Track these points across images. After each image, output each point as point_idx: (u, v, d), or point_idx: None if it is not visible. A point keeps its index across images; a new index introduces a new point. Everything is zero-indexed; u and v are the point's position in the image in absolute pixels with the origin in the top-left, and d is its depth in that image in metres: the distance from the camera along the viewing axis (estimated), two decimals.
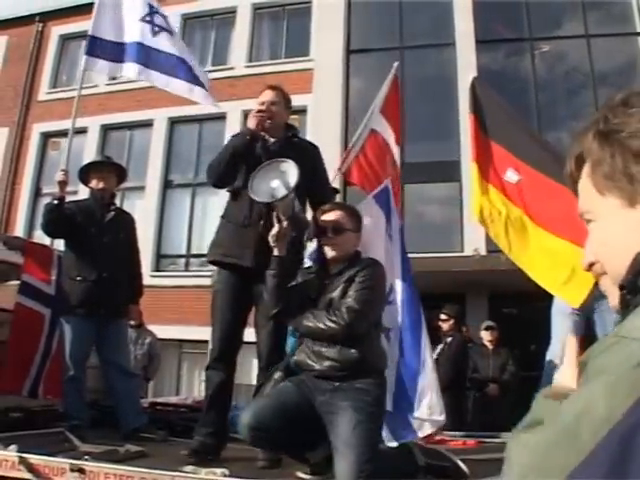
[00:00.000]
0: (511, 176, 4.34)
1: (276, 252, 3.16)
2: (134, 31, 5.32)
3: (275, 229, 3.12)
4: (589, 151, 0.93)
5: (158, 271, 14.68)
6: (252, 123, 3.77)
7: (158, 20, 5.44)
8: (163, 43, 5.33)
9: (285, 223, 3.14)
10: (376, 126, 5.19)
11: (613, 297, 0.91)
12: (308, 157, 3.80)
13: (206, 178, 3.97)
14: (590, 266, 0.98)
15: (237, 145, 3.78)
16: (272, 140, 3.83)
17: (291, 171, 3.18)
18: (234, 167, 3.77)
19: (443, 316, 7.79)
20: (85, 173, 5.01)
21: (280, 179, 3.19)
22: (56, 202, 4.60)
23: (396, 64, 5.33)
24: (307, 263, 3.96)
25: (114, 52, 5.26)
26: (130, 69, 5.29)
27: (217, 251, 3.86)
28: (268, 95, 3.91)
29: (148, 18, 5.40)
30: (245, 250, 3.68)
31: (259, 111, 3.79)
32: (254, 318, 3.81)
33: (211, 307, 3.88)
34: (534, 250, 4.12)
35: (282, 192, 3.15)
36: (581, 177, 0.96)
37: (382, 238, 4.31)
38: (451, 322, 7.75)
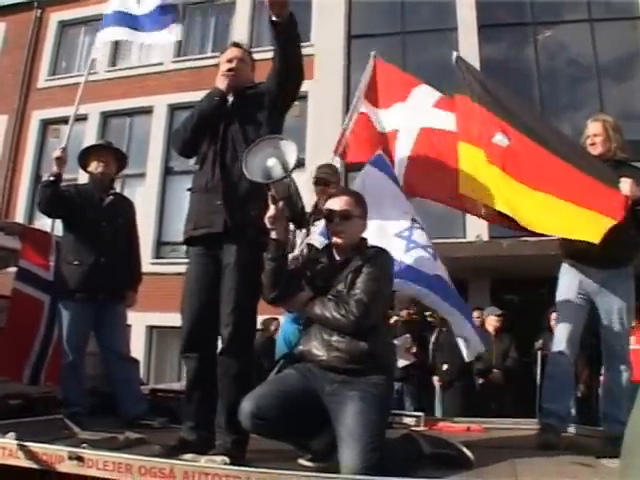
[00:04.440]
0: (501, 139, 4.26)
1: (273, 235, 3.06)
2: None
3: (271, 211, 2.99)
4: None
5: (159, 258, 14.67)
6: (222, 83, 3.55)
7: None
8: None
9: (281, 204, 3.00)
10: (363, 109, 5.17)
11: None
12: (257, 101, 3.52)
13: (171, 145, 3.77)
14: None
15: (206, 108, 3.55)
16: (231, 99, 3.58)
17: (290, 150, 2.95)
18: (202, 132, 3.54)
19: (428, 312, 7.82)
20: (85, 157, 4.95)
21: (277, 157, 2.95)
22: (52, 179, 4.55)
23: (373, 53, 5.38)
24: (318, 240, 3.82)
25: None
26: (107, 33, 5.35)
27: (188, 228, 3.57)
28: (236, 52, 3.67)
29: None
30: (213, 215, 3.40)
31: (229, 70, 3.58)
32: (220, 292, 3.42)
33: (183, 290, 3.57)
34: (538, 209, 4.03)
35: (279, 173, 2.93)
36: None
37: (393, 194, 4.34)
38: None
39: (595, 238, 3.66)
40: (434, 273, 4.18)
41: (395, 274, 3.48)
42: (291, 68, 3.35)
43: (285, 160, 2.93)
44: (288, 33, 3.20)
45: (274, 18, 3.13)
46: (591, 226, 3.73)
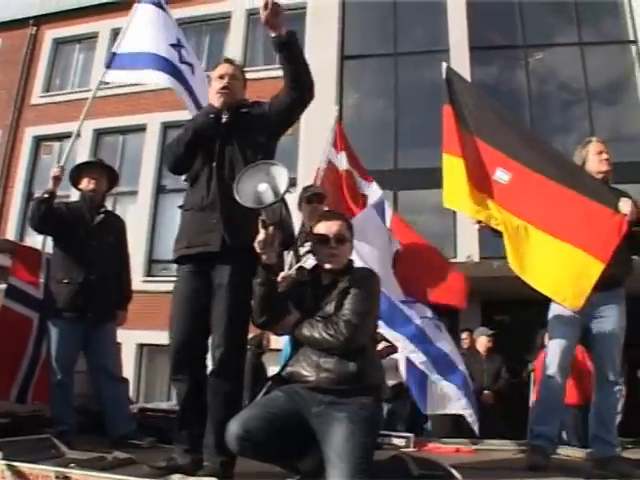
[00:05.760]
0: (501, 176, 4.31)
1: (263, 259, 3.02)
2: (162, 47, 5.38)
3: (261, 236, 2.96)
4: None
5: (150, 276, 14.61)
6: (217, 101, 3.54)
7: (184, 53, 5.54)
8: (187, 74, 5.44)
9: (271, 229, 2.97)
10: (332, 158, 5.86)
11: None
12: (257, 122, 3.53)
13: (164, 161, 3.75)
14: None
15: (201, 124, 3.52)
16: (225, 117, 3.55)
17: (281, 176, 2.94)
18: (195, 149, 3.50)
19: None
20: (76, 174, 4.95)
21: (268, 183, 2.93)
22: (46, 195, 4.55)
23: (336, 108, 6.50)
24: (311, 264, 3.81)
25: (134, 61, 5.31)
26: (154, 75, 5.33)
27: (180, 246, 3.50)
28: (228, 68, 3.64)
29: (177, 47, 5.49)
30: (209, 234, 3.35)
31: (223, 88, 3.55)
32: (211, 314, 3.38)
33: (170, 309, 3.51)
34: (533, 255, 4.08)
35: (270, 198, 2.91)
36: None
37: (386, 246, 4.50)
38: None
39: (575, 303, 3.79)
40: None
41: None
42: (302, 83, 3.39)
43: (276, 185, 2.92)
44: (289, 50, 3.26)
45: (272, 35, 3.20)
46: (576, 288, 3.85)
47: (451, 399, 4.54)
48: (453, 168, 4.44)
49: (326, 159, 5.91)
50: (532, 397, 7.14)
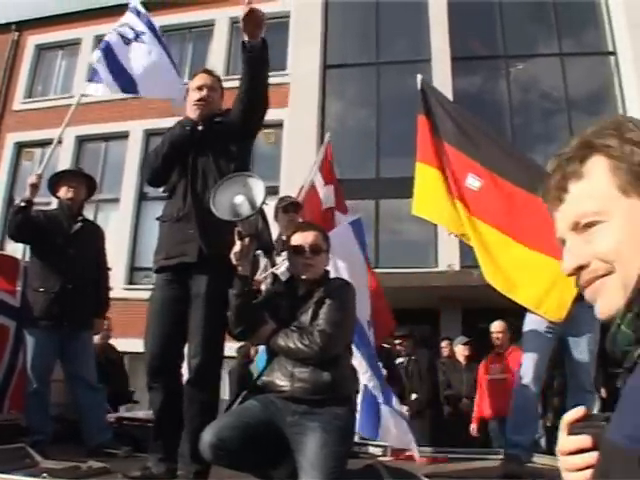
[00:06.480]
0: (472, 182, 4.35)
1: (239, 271, 3.03)
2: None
3: (237, 247, 2.96)
4: (617, 152, 0.95)
5: (132, 284, 14.56)
6: (194, 113, 3.53)
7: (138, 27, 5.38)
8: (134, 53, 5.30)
9: (247, 240, 2.97)
10: (316, 181, 5.90)
11: (614, 299, 0.92)
12: (228, 130, 3.51)
13: (143, 176, 3.71)
14: (578, 270, 0.97)
15: (177, 137, 3.50)
16: (200, 128, 3.53)
17: (257, 188, 2.93)
18: (173, 161, 3.49)
19: (398, 340, 7.85)
20: (55, 183, 4.94)
21: (244, 195, 2.92)
22: (23, 204, 4.53)
23: (328, 135, 6.43)
24: (284, 274, 3.82)
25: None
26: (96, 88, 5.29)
27: (159, 256, 3.51)
28: (206, 79, 3.64)
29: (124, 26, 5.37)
30: (186, 245, 3.37)
31: (200, 99, 3.54)
32: (188, 322, 3.39)
33: (146, 317, 3.54)
34: (507, 266, 4.11)
35: (247, 211, 2.90)
36: (582, 178, 0.97)
37: (359, 262, 4.53)
38: (410, 341, 7.84)
39: (557, 315, 3.82)
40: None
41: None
42: (257, 93, 3.37)
43: (252, 197, 2.92)
44: (258, 57, 3.24)
45: (246, 39, 3.17)
46: (558, 300, 3.86)
47: (400, 433, 4.45)
48: (425, 177, 4.49)
49: (310, 180, 5.89)
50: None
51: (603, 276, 0.94)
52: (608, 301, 0.94)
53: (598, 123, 1.00)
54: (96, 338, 6.13)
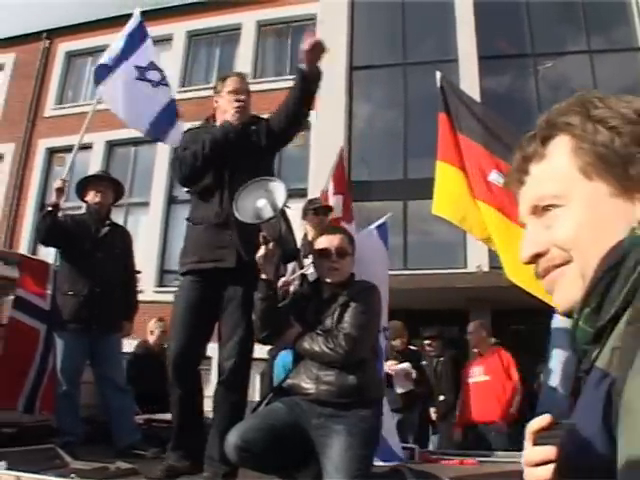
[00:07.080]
0: (496, 178, 4.31)
1: (263, 275, 3.06)
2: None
3: (261, 251, 3.00)
4: (579, 131, 0.90)
5: (162, 286, 14.67)
6: (235, 117, 3.54)
7: (150, 75, 5.55)
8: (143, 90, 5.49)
9: (271, 245, 3.01)
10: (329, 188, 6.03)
11: (571, 290, 0.87)
12: (263, 138, 3.61)
13: (176, 173, 3.69)
14: (535, 257, 0.92)
15: (219, 139, 3.51)
16: (238, 132, 3.58)
17: (279, 191, 3.00)
18: (211, 163, 3.51)
19: (427, 341, 7.80)
20: (82, 187, 5.01)
21: (267, 198, 2.98)
22: (50, 209, 4.60)
23: (341, 147, 6.74)
24: (312, 275, 3.83)
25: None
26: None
27: (190, 259, 3.55)
28: (242, 83, 3.70)
29: (140, 71, 5.52)
30: (223, 250, 3.41)
31: (240, 105, 3.57)
32: (218, 327, 3.51)
33: (171, 317, 3.61)
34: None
35: (268, 213, 2.96)
36: (543, 159, 0.93)
37: (384, 267, 4.52)
38: (439, 342, 7.80)
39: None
40: None
41: None
42: (304, 113, 3.53)
43: (274, 200, 2.98)
44: (313, 82, 3.38)
45: (305, 67, 3.29)
46: None
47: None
48: (446, 176, 4.46)
49: (325, 188, 6.04)
50: None
51: (561, 265, 0.89)
52: (565, 293, 0.90)
53: (566, 100, 0.95)
54: (151, 339, 6.27)
